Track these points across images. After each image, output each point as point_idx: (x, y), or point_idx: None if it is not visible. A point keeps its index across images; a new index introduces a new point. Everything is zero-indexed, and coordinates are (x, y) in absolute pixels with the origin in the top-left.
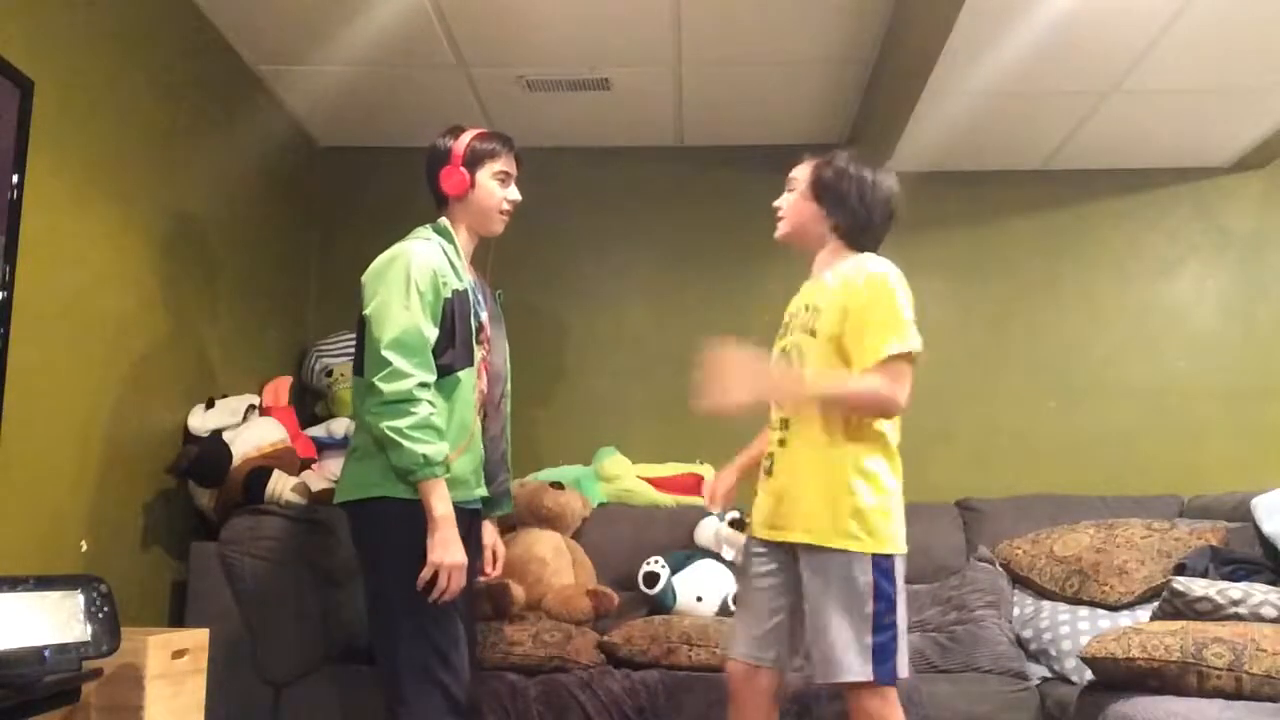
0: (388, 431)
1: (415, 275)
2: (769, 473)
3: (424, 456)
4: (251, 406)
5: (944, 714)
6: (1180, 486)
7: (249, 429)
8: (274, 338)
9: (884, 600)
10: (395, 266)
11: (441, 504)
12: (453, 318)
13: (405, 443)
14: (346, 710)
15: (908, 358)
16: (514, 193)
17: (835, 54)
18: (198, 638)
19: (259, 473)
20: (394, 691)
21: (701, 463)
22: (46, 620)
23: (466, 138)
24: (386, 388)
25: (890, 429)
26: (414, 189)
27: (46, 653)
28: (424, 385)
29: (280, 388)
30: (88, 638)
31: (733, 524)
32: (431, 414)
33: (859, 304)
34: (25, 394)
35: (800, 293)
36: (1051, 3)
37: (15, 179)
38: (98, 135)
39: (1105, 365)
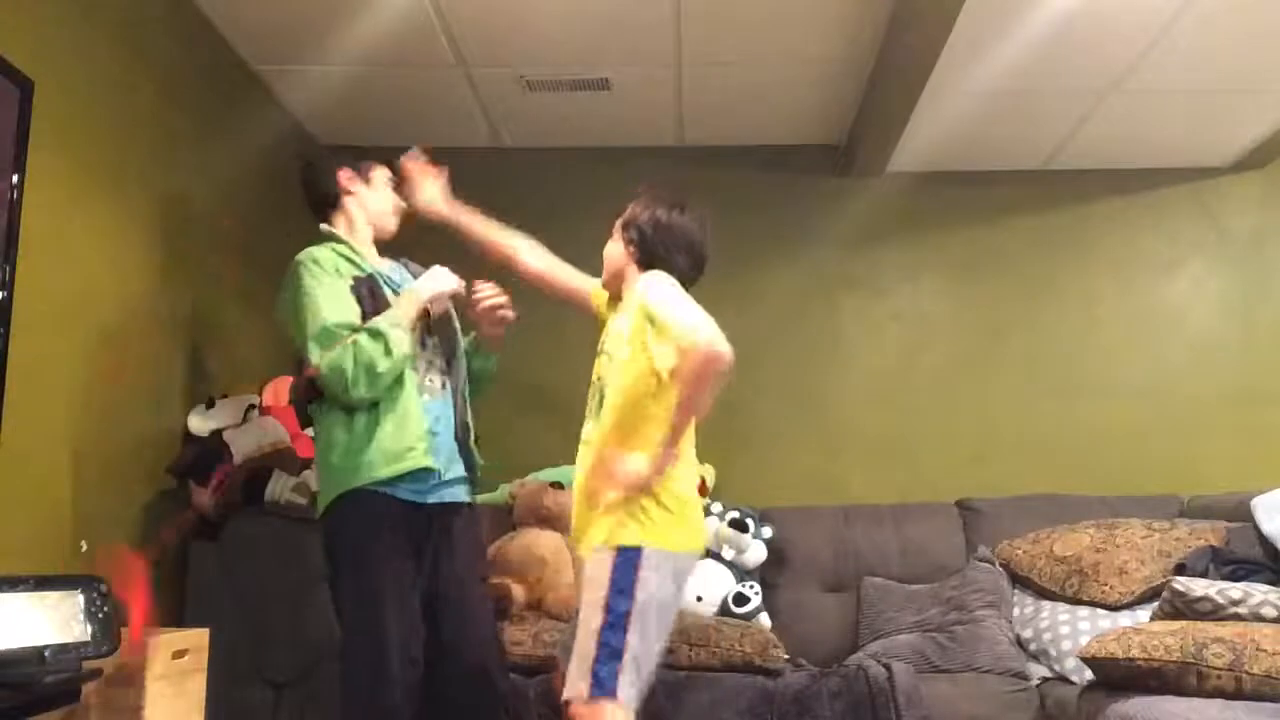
0: (352, 374)
1: (310, 267)
2: None
3: (384, 336)
4: (251, 406)
5: (944, 714)
6: (1180, 486)
7: (249, 429)
8: (274, 337)
9: (613, 613)
10: (292, 276)
11: (409, 297)
12: (363, 300)
13: (379, 359)
14: None
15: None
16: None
17: (835, 54)
18: (198, 638)
19: (259, 473)
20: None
21: (702, 464)
22: (46, 620)
23: None
24: (320, 362)
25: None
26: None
27: (46, 653)
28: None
29: (280, 388)
30: (88, 638)
31: (732, 524)
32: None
33: (641, 324)
34: (25, 394)
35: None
36: (1051, 2)
37: (15, 179)
38: (98, 135)
39: (1105, 365)
